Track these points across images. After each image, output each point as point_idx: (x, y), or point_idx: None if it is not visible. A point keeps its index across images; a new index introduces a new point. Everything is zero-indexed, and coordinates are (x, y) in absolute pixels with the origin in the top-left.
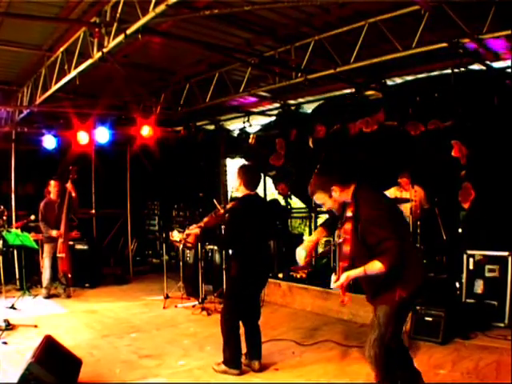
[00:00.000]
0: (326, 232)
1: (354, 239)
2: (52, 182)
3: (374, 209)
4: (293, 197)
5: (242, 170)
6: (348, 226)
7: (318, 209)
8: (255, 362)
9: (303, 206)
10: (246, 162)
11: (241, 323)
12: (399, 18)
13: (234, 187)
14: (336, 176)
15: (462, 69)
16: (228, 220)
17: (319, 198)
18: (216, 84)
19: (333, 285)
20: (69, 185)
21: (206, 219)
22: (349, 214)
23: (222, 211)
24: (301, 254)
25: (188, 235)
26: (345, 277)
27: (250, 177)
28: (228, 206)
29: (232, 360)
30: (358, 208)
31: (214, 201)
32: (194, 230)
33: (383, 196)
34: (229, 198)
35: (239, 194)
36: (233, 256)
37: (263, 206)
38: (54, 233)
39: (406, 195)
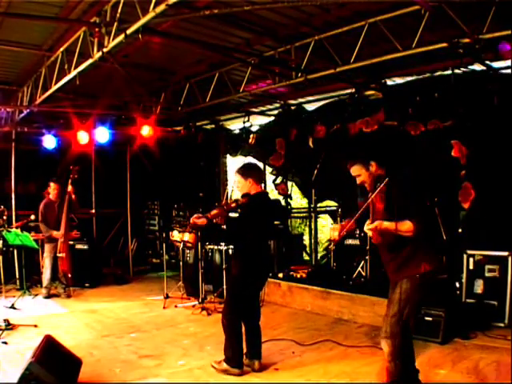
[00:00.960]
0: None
1: (387, 200)
2: (52, 184)
3: (410, 182)
4: (293, 196)
5: (251, 168)
6: (383, 189)
7: (318, 208)
8: (255, 362)
9: (303, 206)
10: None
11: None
12: (399, 17)
13: (240, 186)
14: (377, 155)
15: (463, 69)
16: (242, 215)
17: (356, 169)
18: (216, 84)
19: (366, 227)
20: (69, 187)
21: (214, 211)
22: (382, 188)
23: (233, 205)
24: (335, 228)
25: (194, 224)
26: (378, 222)
27: (258, 173)
28: (241, 201)
29: (234, 359)
30: (393, 180)
31: (227, 191)
32: (200, 220)
33: None
34: (229, 196)
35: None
36: (235, 255)
37: (271, 205)
38: (54, 233)
39: None
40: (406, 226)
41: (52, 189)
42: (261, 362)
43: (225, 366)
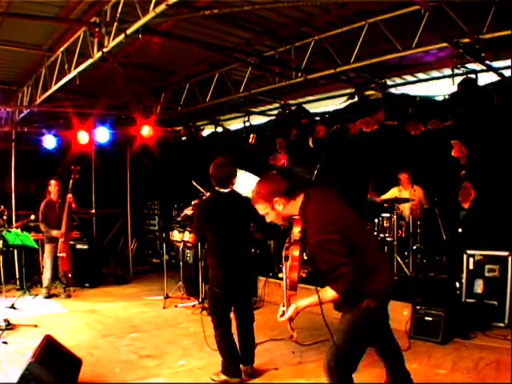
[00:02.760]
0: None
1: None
2: (52, 182)
3: (322, 232)
4: None
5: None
6: (296, 251)
7: None
8: (247, 367)
9: None
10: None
11: (235, 326)
12: (399, 17)
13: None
14: (280, 184)
15: (463, 69)
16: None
17: (260, 208)
18: (216, 84)
19: (279, 318)
20: (69, 195)
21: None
22: (296, 235)
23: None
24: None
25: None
26: (293, 308)
27: (216, 175)
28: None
29: (230, 369)
30: (306, 227)
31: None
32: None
33: (335, 200)
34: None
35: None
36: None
37: (232, 205)
38: (54, 233)
39: (405, 194)
40: (330, 295)
41: (53, 186)
42: (253, 367)
43: (223, 377)
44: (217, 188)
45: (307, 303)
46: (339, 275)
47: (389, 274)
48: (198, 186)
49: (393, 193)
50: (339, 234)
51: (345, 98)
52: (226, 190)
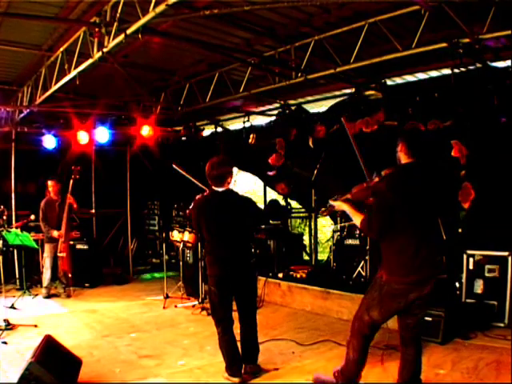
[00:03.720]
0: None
1: (367, 192)
2: (49, 183)
3: (384, 187)
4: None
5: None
6: (375, 181)
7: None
8: (250, 366)
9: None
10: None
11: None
12: (399, 17)
13: None
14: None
15: (463, 69)
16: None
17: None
18: (216, 84)
19: (330, 201)
20: (69, 196)
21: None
22: (381, 174)
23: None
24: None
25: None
26: (340, 203)
27: (209, 177)
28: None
29: (230, 368)
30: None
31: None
32: (338, 202)
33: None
34: None
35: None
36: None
37: (222, 203)
38: (55, 233)
39: None
40: (358, 218)
41: (50, 186)
42: (254, 366)
43: (225, 374)
44: (212, 187)
45: (346, 208)
46: (369, 216)
47: (406, 269)
48: (180, 170)
49: None
50: (387, 200)
51: (345, 98)
52: (221, 189)
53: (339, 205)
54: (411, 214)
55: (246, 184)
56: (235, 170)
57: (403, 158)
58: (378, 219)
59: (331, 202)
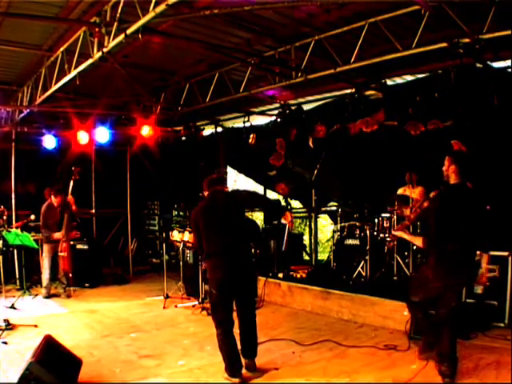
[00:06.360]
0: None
1: (421, 214)
2: (52, 198)
3: (434, 202)
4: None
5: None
6: (425, 204)
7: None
8: (249, 361)
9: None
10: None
11: (237, 322)
12: (399, 17)
13: None
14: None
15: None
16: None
17: (447, 162)
18: (216, 84)
19: (393, 231)
20: (69, 197)
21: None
22: (431, 196)
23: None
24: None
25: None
26: (401, 232)
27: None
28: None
29: (229, 369)
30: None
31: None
32: (398, 232)
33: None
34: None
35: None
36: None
37: (217, 203)
38: (55, 235)
39: (413, 195)
40: (419, 241)
41: (54, 202)
42: (254, 361)
43: (225, 375)
44: (205, 192)
45: (406, 237)
46: (430, 233)
47: (449, 273)
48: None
49: (400, 193)
50: (439, 214)
51: (344, 98)
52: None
53: (400, 234)
54: (457, 227)
55: (246, 184)
56: (235, 172)
57: (453, 179)
58: (435, 232)
59: (394, 233)
